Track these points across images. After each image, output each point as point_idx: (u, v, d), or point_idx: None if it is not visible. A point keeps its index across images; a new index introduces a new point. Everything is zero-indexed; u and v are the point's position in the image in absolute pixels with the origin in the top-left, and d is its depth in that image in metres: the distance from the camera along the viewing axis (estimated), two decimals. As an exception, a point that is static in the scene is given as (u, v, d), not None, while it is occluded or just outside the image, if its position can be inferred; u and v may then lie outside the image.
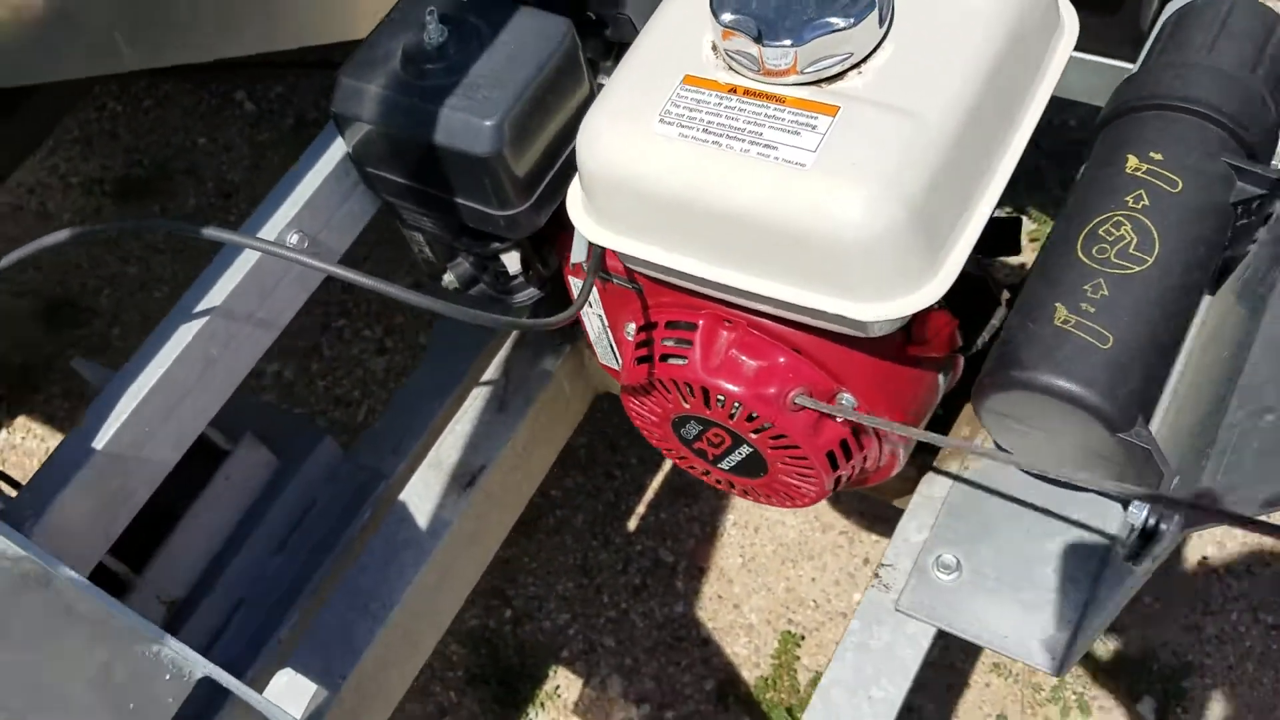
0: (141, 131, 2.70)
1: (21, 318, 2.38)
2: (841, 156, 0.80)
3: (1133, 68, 1.38)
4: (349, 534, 1.25)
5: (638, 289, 1.02)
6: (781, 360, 0.95)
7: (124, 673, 0.89)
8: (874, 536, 1.82)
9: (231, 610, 1.21)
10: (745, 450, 1.01)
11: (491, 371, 1.34)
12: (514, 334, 1.36)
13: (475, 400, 1.32)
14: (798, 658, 1.75)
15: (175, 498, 1.16)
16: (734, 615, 1.81)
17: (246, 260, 0.98)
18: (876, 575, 1.11)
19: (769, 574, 1.83)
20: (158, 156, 2.62)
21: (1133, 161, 0.97)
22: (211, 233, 0.93)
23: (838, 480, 1.01)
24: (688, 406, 1.00)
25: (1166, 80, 1.01)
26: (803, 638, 1.76)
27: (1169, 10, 1.31)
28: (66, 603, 0.86)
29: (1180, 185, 0.95)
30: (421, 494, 1.26)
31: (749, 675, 1.75)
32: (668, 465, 1.96)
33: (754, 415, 0.96)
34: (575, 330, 1.33)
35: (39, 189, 2.63)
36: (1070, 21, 0.94)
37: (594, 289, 1.07)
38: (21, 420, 2.29)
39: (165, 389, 0.94)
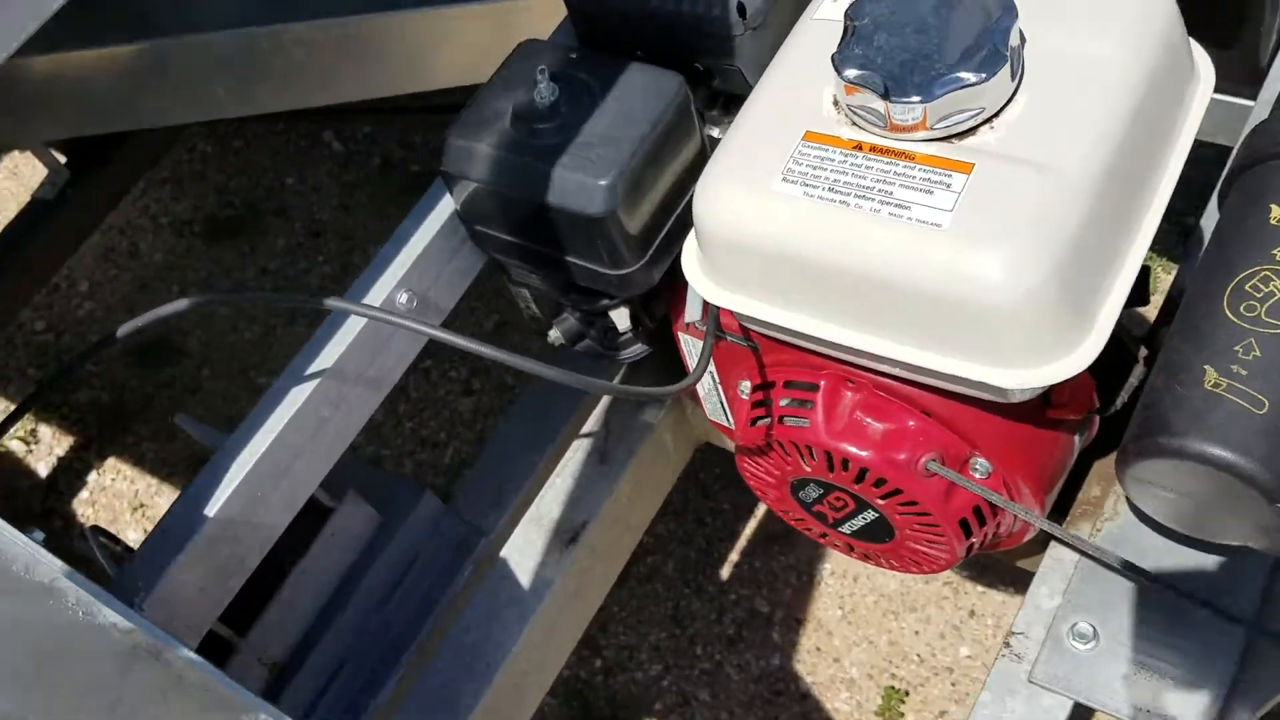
0: (231, 172, 2.73)
1: (111, 357, 2.41)
2: (980, 215, 0.76)
3: (1251, 104, 1.33)
4: (452, 591, 1.23)
5: (754, 347, 0.99)
6: (911, 424, 0.91)
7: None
8: (979, 588, 1.76)
9: (334, 670, 1.19)
10: (870, 515, 0.97)
11: (591, 423, 1.31)
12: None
13: (576, 453, 1.30)
14: (902, 714, 1.69)
15: (279, 557, 1.14)
16: (834, 669, 1.76)
17: (357, 322, 0.97)
18: (1007, 644, 1.06)
19: (870, 626, 1.78)
20: (247, 197, 2.65)
21: (1276, 212, 0.92)
22: (327, 303, 0.91)
23: (969, 548, 0.97)
24: (808, 469, 0.96)
25: (1309, 124, 0.95)
26: (907, 693, 1.70)
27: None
28: (177, 673, 0.85)
29: (1334, 236, 0.90)
30: (523, 550, 1.24)
31: (851, 732, 1.70)
32: (761, 510, 1.92)
33: (882, 480, 0.92)
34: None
35: (129, 229, 2.67)
36: (1206, 69, 0.89)
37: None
38: (111, 461, 2.32)
39: (278, 453, 0.93)
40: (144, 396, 2.35)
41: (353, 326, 0.97)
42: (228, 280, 2.50)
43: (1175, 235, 1.91)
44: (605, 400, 1.32)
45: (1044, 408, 0.92)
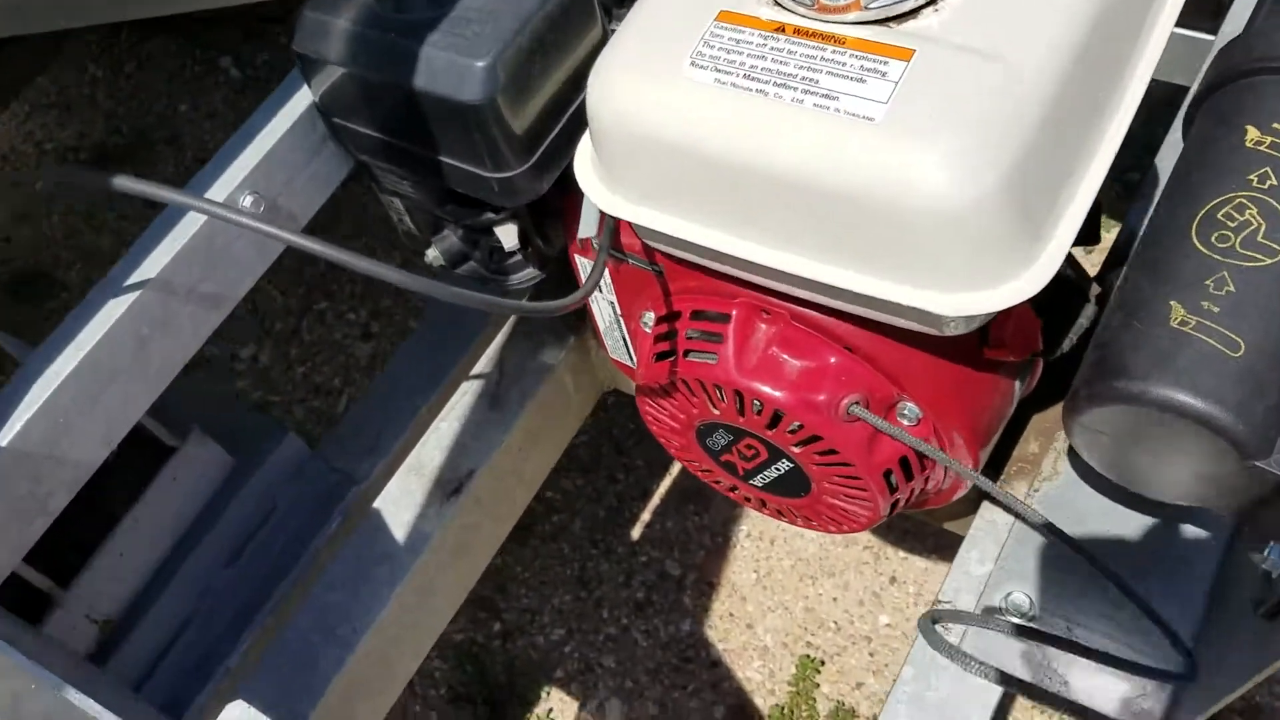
0: (121, 98, 2.54)
1: (-15, 292, 2.22)
2: (920, 108, 0.64)
3: (1212, 38, 1.22)
4: (315, 545, 1.09)
5: (658, 271, 0.86)
6: (833, 360, 0.79)
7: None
8: (901, 553, 1.66)
9: (176, 632, 1.05)
10: (785, 466, 0.85)
11: (484, 364, 1.18)
12: (509, 322, 1.20)
13: (464, 396, 1.16)
14: (817, 685, 1.59)
15: (111, 501, 1.00)
16: (747, 636, 1.65)
17: (190, 224, 0.82)
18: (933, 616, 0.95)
19: (786, 591, 1.67)
20: (138, 124, 2.46)
21: (1253, 134, 0.81)
22: (147, 189, 0.76)
23: (894, 504, 0.85)
24: (716, 413, 0.84)
25: (1282, 40, 0.84)
26: (823, 663, 1.60)
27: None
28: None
29: (1315, 161, 0.79)
30: (400, 501, 1.10)
31: (763, 703, 1.59)
32: (677, 468, 1.80)
33: (798, 426, 0.79)
34: (581, 319, 1.17)
35: (12, 155, 2.47)
36: (1180, -34, 0.77)
37: (606, 271, 0.91)
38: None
39: (86, 375, 0.78)
40: (14, 330, 2.16)
41: (186, 229, 0.82)
42: (114, 214, 2.31)
43: (1118, 191, 1.81)
44: (500, 340, 1.18)
45: (982, 347, 0.80)
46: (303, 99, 0.87)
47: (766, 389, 0.79)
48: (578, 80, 0.82)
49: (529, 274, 0.94)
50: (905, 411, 0.80)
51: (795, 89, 0.67)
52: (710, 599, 1.69)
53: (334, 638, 1.04)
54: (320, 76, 0.83)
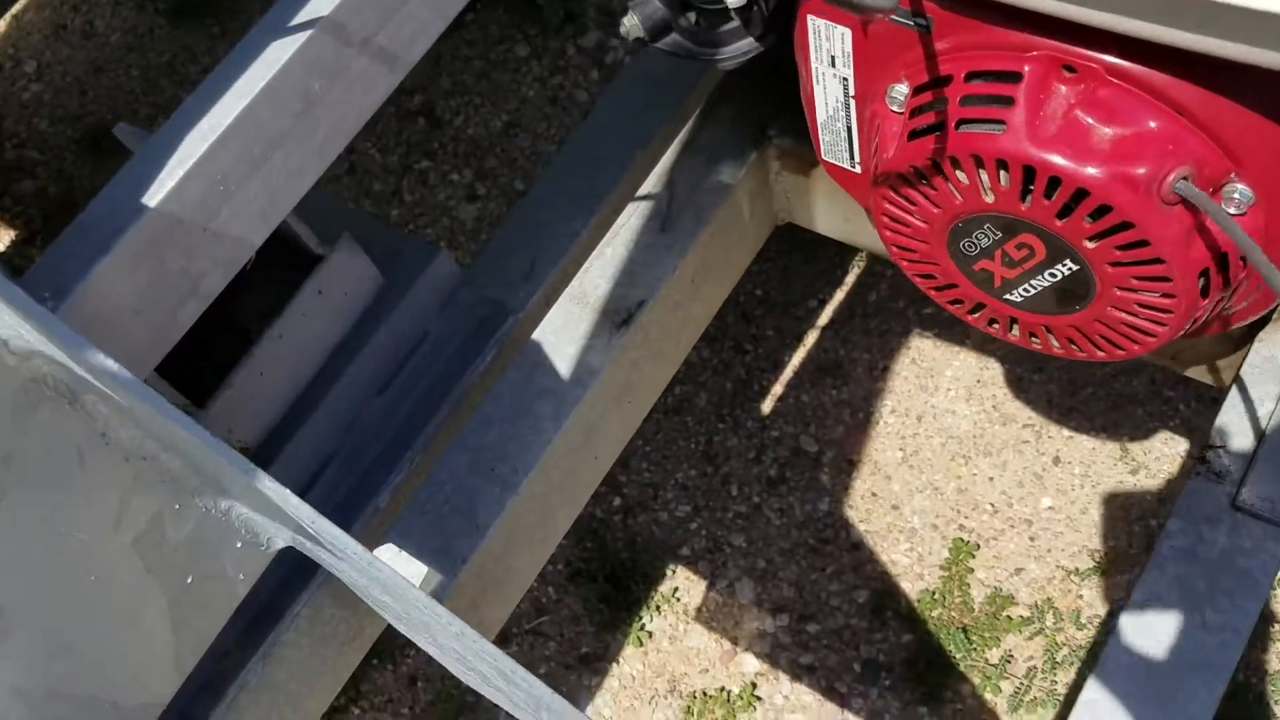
0: (206, -57, 2.39)
1: (60, 145, 2.11)
2: None
3: None
4: (470, 376, 0.97)
5: (925, 26, 0.71)
6: (1156, 125, 0.64)
7: (180, 533, 0.62)
8: (1065, 431, 1.52)
9: (320, 465, 0.94)
10: (1066, 268, 0.70)
11: (652, 182, 1.04)
12: (681, 134, 1.05)
13: (630, 218, 1.02)
14: (971, 569, 1.46)
15: (253, 314, 0.88)
16: (892, 517, 1.52)
17: (367, -41, 0.68)
18: (1203, 460, 0.81)
19: (935, 471, 1.54)
20: (221, -31, 2.31)
21: None
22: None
23: (1196, 320, 0.71)
24: (990, 200, 0.69)
25: None
26: (978, 547, 1.47)
27: None
28: (101, 428, 0.58)
29: None
30: (562, 333, 0.98)
31: (910, 588, 1.47)
32: (811, 339, 1.66)
33: (1106, 209, 0.65)
34: (762, 133, 1.03)
35: (84, 4, 2.33)
36: None
37: (844, 39, 0.76)
38: (63, 261, 2.03)
39: (248, 129, 0.65)
40: (95, 190, 2.05)
41: (363, -36, 0.68)
42: (196, 67, 2.18)
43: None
44: (673, 153, 1.04)
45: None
46: None
47: (1070, 162, 0.65)
48: None
49: (745, 46, 0.80)
50: (1235, 195, 0.66)
51: None
52: (850, 478, 1.56)
53: (493, 477, 0.92)
54: None
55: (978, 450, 1.54)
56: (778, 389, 1.65)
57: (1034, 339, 0.80)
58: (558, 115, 1.98)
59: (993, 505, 1.50)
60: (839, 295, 1.68)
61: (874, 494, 1.55)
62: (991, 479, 1.52)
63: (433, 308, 0.97)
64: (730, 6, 0.74)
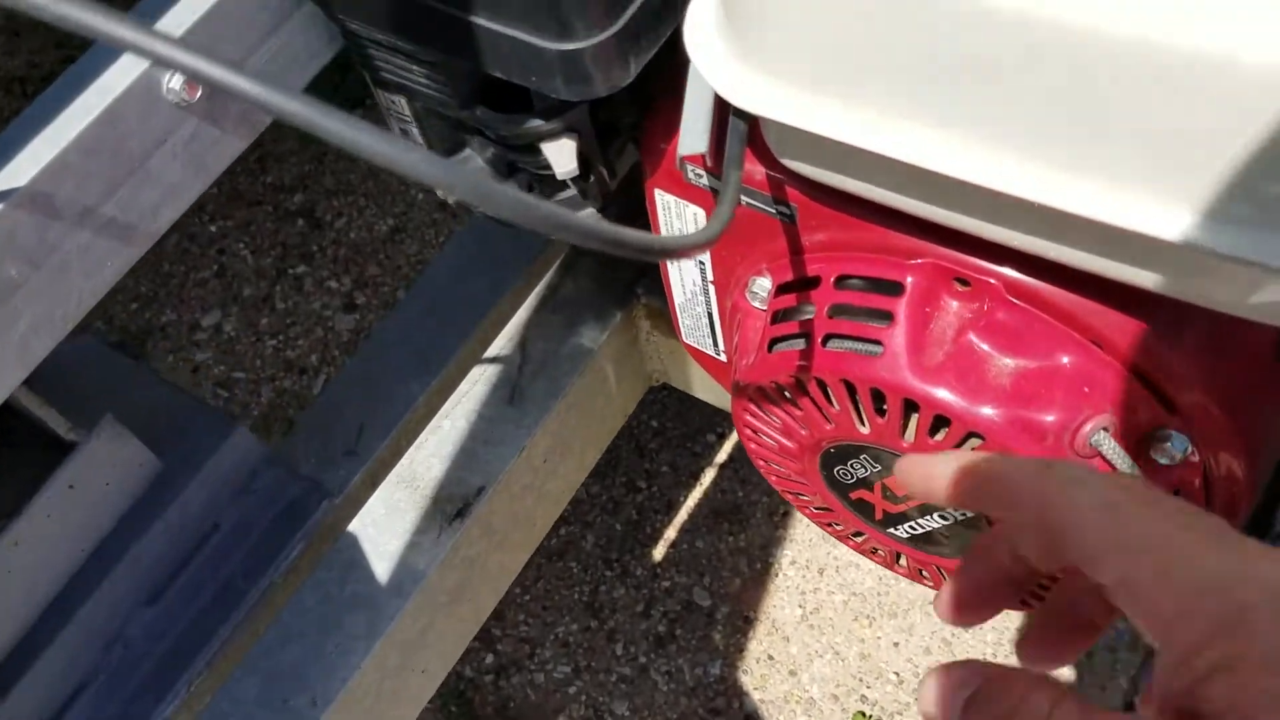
0: (80, 25, 2.24)
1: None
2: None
3: None
4: (268, 578, 0.81)
5: (788, 216, 0.58)
6: (1067, 360, 0.51)
7: None
8: (979, 593, 1.39)
9: (74, 692, 0.77)
10: (957, 513, 0.57)
11: (501, 343, 0.90)
12: (535, 291, 0.92)
13: (475, 385, 0.88)
14: (874, 750, 1.32)
15: (-18, 515, 0.71)
16: (789, 685, 1.38)
17: (86, 108, 0.54)
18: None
19: (837, 633, 1.40)
20: (96, 55, 2.16)
21: None
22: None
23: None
24: (865, 431, 0.56)
25: None
26: (882, 724, 1.33)
27: None
28: None
29: None
30: (384, 525, 0.82)
31: (808, 769, 1.32)
32: (709, 478, 1.52)
33: (1007, 459, 0.52)
34: (630, 291, 0.90)
35: (-52, 85, 2.16)
36: None
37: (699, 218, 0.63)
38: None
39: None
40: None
41: (81, 113, 0.53)
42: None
43: None
44: (523, 314, 0.90)
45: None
46: (268, -59, 0.59)
47: (961, 400, 0.51)
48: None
49: (586, 214, 0.66)
50: (1168, 446, 0.53)
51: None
52: (746, 637, 1.42)
53: (285, 711, 0.76)
54: (295, -100, 0.54)
55: (882, 610, 1.40)
56: (671, 533, 1.50)
57: (923, 577, 0.66)
58: (446, 222, 1.84)
59: (897, 674, 1.36)
60: (739, 431, 1.54)
61: (770, 657, 1.40)
62: (897, 644, 1.38)
63: (226, 494, 0.81)
64: (558, 176, 0.60)
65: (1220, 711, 0.27)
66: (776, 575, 1.45)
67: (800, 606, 1.42)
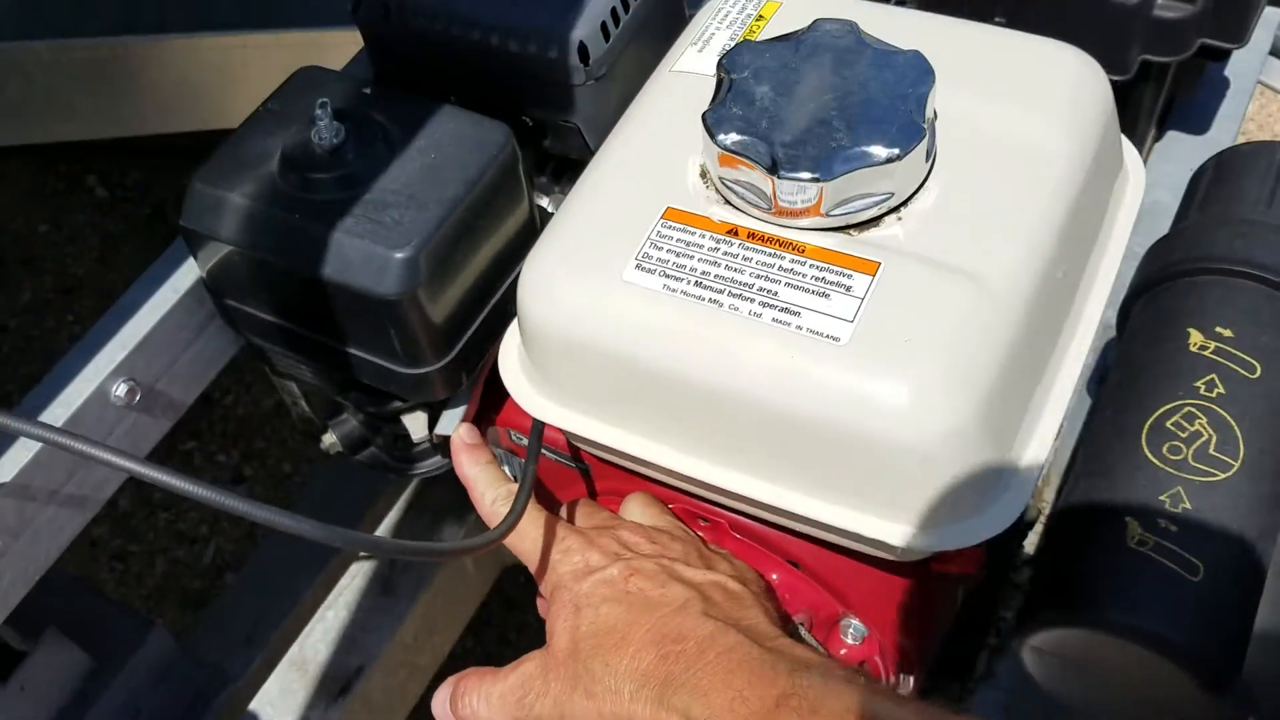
0: (-27, 215, 2.38)
1: None
2: (890, 330, 0.59)
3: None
4: (180, 758, 0.97)
5: (583, 470, 0.79)
6: (774, 577, 0.73)
7: None
8: None
9: None
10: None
11: (376, 543, 1.08)
12: (403, 495, 1.11)
13: (353, 579, 1.06)
14: None
15: (-59, 720, 0.86)
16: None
17: (53, 420, 0.72)
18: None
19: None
20: (-10, 244, 2.30)
21: (1197, 338, 0.79)
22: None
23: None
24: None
25: (1223, 239, 0.84)
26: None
27: (1166, 140, 1.16)
28: None
29: (1259, 370, 0.77)
30: (279, 704, 0.99)
31: None
32: (569, 627, 1.70)
33: (736, 651, 0.73)
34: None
35: None
36: (1135, 167, 0.76)
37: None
38: None
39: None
40: None
41: (52, 418, 0.72)
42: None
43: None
44: (393, 517, 1.09)
45: (929, 562, 0.75)
46: (188, 273, 0.79)
47: (705, 607, 0.72)
48: (504, 265, 0.76)
49: (435, 463, 0.86)
50: (850, 629, 0.75)
51: (752, 300, 0.61)
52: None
53: None
54: (210, 253, 0.75)
55: None
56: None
57: None
58: (327, 397, 2.02)
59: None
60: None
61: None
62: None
63: (146, 685, 0.97)
64: (415, 440, 0.81)
65: None
66: (632, 713, 1.62)
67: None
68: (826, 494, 0.62)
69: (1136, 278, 0.88)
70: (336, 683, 1.00)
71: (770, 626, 0.61)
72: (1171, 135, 1.22)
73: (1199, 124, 1.23)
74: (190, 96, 1.26)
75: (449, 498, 1.09)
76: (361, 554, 1.07)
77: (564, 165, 0.87)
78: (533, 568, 0.69)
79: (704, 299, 0.62)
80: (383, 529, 1.09)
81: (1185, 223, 0.88)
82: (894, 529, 0.61)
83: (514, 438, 0.81)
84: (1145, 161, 1.21)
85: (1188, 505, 0.72)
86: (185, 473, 0.53)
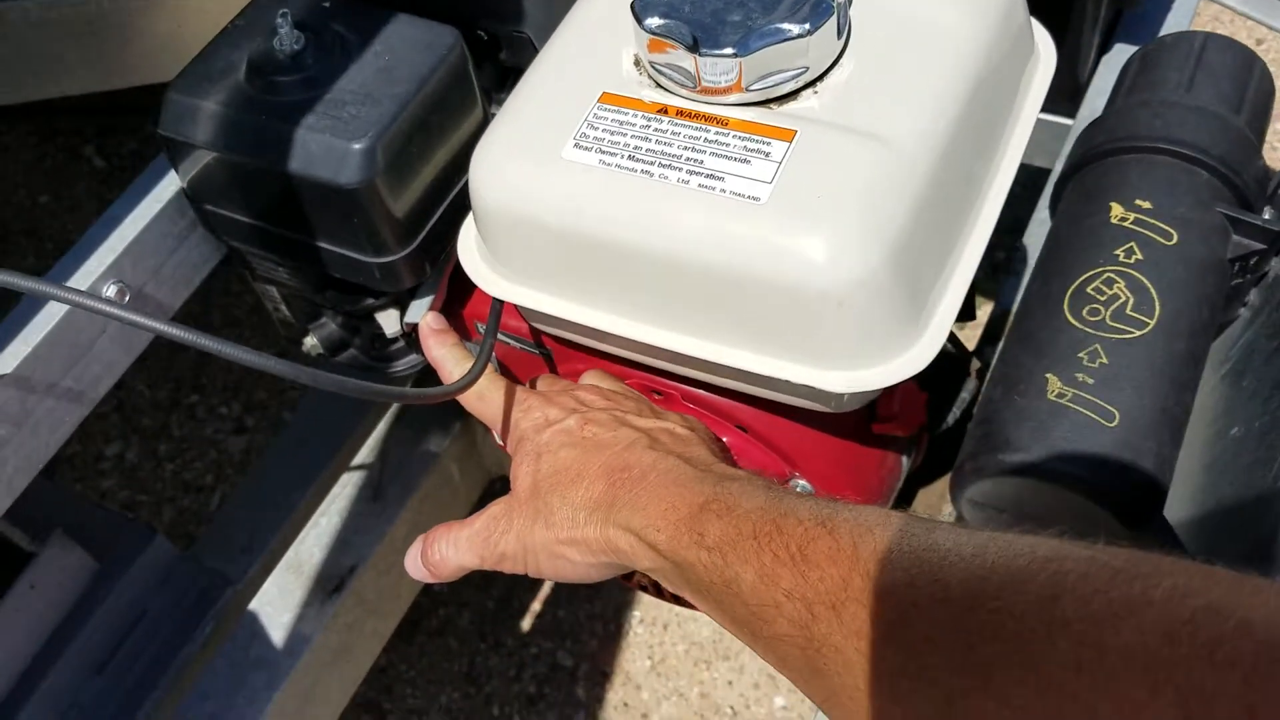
0: (-25, 187, 2.44)
1: None
2: (805, 188, 0.65)
3: (1070, 122, 1.28)
4: (187, 652, 1.03)
5: (546, 354, 0.84)
6: (727, 440, 0.78)
7: None
8: (794, 632, 1.65)
9: (33, 754, 0.97)
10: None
11: (365, 454, 1.14)
12: (391, 410, 1.16)
13: (344, 488, 1.12)
14: (714, 773, 1.55)
15: (-40, 615, 0.93)
16: (642, 725, 1.61)
17: (49, 316, 0.78)
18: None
19: (680, 677, 1.64)
20: (-7, 215, 2.36)
21: (1117, 210, 0.84)
22: (8, 279, 0.71)
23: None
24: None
25: (1144, 120, 0.89)
26: (719, 750, 1.57)
27: (1114, 52, 1.21)
28: None
29: (1175, 237, 0.82)
30: (277, 602, 1.05)
31: (659, 795, 1.55)
32: (565, 555, 1.76)
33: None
34: (465, 405, 1.15)
35: None
36: (1046, 48, 0.81)
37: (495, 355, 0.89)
38: None
39: (-70, 480, 0.73)
40: None
41: (44, 321, 0.77)
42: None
43: (985, 270, 1.87)
44: (383, 427, 1.15)
45: (870, 422, 0.81)
46: (170, 184, 0.84)
47: (658, 471, 0.78)
48: (460, 163, 0.81)
49: (412, 360, 0.92)
50: (799, 488, 0.80)
51: (680, 169, 0.67)
52: (604, 689, 1.65)
53: (208, 751, 0.98)
54: (188, 161, 0.80)
55: (718, 654, 1.66)
56: (536, 605, 1.74)
57: (679, 602, 0.92)
58: (325, 347, 2.08)
59: (732, 708, 1.61)
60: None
61: (626, 704, 1.64)
62: (730, 682, 1.63)
63: (150, 586, 1.03)
64: (389, 336, 0.86)
65: None
66: (628, 633, 1.69)
67: (649, 658, 1.67)
68: (758, 346, 0.68)
69: (1066, 163, 0.93)
70: (331, 582, 1.06)
71: (710, 457, 0.67)
72: (1119, 48, 1.26)
73: (1145, 36, 1.27)
74: (180, 47, 1.30)
75: (432, 406, 1.14)
76: (350, 465, 1.13)
77: (519, 77, 0.92)
78: (496, 429, 0.74)
79: (636, 170, 0.67)
80: (369, 444, 1.15)
81: (1109, 110, 0.93)
82: (819, 374, 0.67)
83: (480, 329, 0.87)
84: (1092, 73, 1.26)
85: (1104, 360, 0.77)
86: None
